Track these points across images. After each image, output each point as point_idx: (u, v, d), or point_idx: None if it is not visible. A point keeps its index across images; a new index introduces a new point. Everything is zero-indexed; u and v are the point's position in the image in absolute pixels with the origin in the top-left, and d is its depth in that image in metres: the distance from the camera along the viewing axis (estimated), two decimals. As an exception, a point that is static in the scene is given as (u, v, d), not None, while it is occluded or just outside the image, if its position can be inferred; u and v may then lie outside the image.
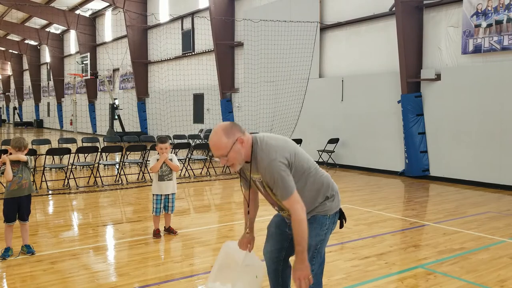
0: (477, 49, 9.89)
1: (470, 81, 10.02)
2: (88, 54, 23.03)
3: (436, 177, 10.81)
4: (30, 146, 8.68)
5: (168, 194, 5.78)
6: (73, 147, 10.66)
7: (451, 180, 10.41)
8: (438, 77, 10.66)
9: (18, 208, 4.98)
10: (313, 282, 2.74)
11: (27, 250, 5.02)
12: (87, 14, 27.17)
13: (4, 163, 4.87)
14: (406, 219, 6.90)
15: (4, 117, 48.39)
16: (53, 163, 10.98)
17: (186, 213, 7.27)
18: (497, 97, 9.52)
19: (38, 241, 5.51)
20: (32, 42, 37.23)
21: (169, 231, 5.87)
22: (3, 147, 10.33)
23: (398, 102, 11.32)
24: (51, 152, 9.48)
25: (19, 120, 42.09)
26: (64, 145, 11.90)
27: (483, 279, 4.37)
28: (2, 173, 4.93)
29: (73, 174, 9.46)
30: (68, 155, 9.44)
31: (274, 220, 3.11)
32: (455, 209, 7.55)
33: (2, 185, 8.76)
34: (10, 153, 5.00)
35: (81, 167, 10.88)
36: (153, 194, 5.80)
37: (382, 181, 10.73)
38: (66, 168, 9.48)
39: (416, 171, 11.07)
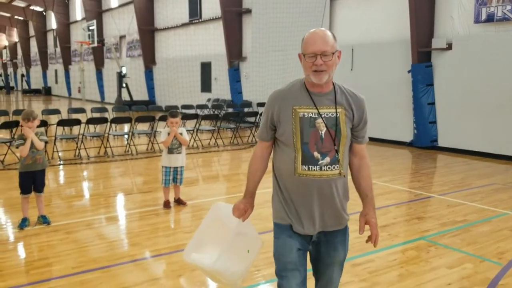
0: (490, 18, 9.73)
1: (481, 51, 9.90)
2: (95, 21, 22.89)
3: (444, 147, 10.85)
4: (40, 117, 8.79)
5: (177, 167, 5.91)
6: (82, 117, 10.80)
7: (459, 151, 10.44)
8: (449, 47, 10.53)
9: (33, 181, 5.14)
10: None
11: (43, 220, 5.22)
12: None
13: (22, 138, 4.99)
14: (411, 191, 7.01)
15: (12, 84, 48.53)
16: (64, 133, 11.14)
17: (195, 184, 7.43)
18: (509, 67, 9.42)
19: (52, 211, 5.70)
20: (38, 8, 36.96)
21: (179, 202, 6.03)
22: (14, 118, 10.50)
23: (408, 72, 11.24)
24: (62, 123, 9.62)
25: (27, 88, 42.25)
26: (74, 115, 12.01)
27: (482, 251, 4.50)
28: (17, 147, 5.06)
29: (84, 145, 9.63)
30: (79, 125, 9.58)
31: (295, 244, 2.37)
32: (461, 181, 7.64)
33: (17, 158, 8.96)
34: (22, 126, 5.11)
35: (91, 137, 11.04)
36: (163, 166, 5.94)
37: (390, 152, 10.79)
38: (76, 138, 9.63)
39: (425, 141, 11.10)
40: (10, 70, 51.38)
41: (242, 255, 2.53)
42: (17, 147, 5.13)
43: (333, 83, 2.36)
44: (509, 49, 9.39)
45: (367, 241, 2.43)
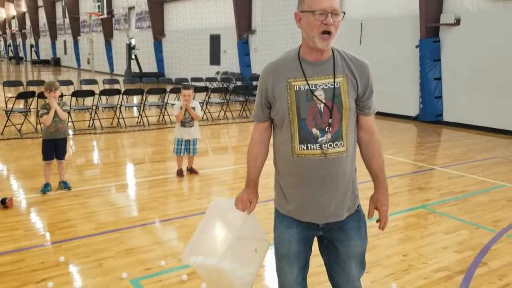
0: (498, -6, 9.75)
1: (489, 27, 9.96)
2: (105, -7, 22.87)
3: (449, 122, 11.03)
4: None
5: (189, 140, 6.16)
6: (93, 88, 11.05)
7: (463, 126, 10.62)
8: (457, 22, 10.59)
9: (55, 148, 5.44)
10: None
11: (64, 185, 5.54)
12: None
13: (46, 108, 5.26)
14: (415, 163, 7.25)
15: (21, 54, 48.68)
16: (76, 104, 11.42)
17: (205, 155, 7.71)
18: (515, 43, 9.51)
19: (72, 178, 6.01)
20: (46, -22, 36.81)
21: (191, 171, 6.32)
22: (30, 88, 10.76)
23: (416, 47, 11.32)
24: (76, 94, 9.88)
25: (36, 58, 42.40)
26: (85, 86, 12.27)
27: (478, 219, 4.77)
28: (41, 116, 5.34)
29: (97, 115, 9.91)
30: (91, 96, 9.85)
31: (293, 235, 2.16)
32: (463, 154, 7.86)
33: (34, 127, 9.27)
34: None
35: (103, 108, 11.31)
36: (176, 138, 6.19)
37: (396, 126, 10.99)
38: (90, 109, 9.91)
39: (430, 116, 11.27)
40: (19, 40, 51.44)
41: (249, 256, 2.25)
42: (41, 117, 5.40)
43: (332, 49, 2.05)
44: (517, 25, 9.45)
45: (377, 221, 2.24)
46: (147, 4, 23.16)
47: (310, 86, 2.00)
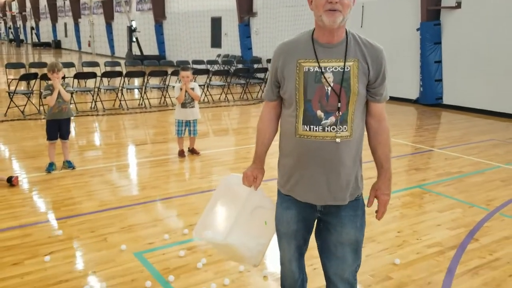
0: (500, -24, 9.73)
1: (490, 10, 9.96)
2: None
3: (448, 105, 11.09)
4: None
5: (190, 120, 6.25)
6: (95, 70, 11.10)
7: (463, 109, 10.69)
8: (458, 5, 10.58)
9: (59, 129, 5.54)
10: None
11: (68, 165, 5.66)
12: None
13: (49, 89, 5.36)
14: (413, 145, 7.35)
15: (22, 37, 48.50)
16: (78, 86, 11.48)
17: (206, 136, 7.81)
18: (515, 26, 9.52)
19: (76, 158, 6.13)
20: (46, -41, 36.51)
21: (193, 152, 6.44)
22: (32, 70, 10.83)
23: (417, 30, 11.33)
24: (78, 76, 9.95)
25: (37, 41, 42.26)
26: (87, 68, 12.31)
27: (472, 198, 4.89)
28: (45, 97, 5.44)
29: (99, 97, 9.99)
30: (94, 79, 9.92)
31: (292, 215, 2.21)
32: (461, 137, 7.96)
33: (36, 109, 9.36)
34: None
35: (105, 90, 11.38)
36: (176, 119, 6.29)
37: (396, 108, 11.05)
38: (92, 91, 9.99)
39: (430, 99, 11.33)
40: (19, 23, 51.18)
41: (259, 228, 2.31)
42: (44, 98, 5.50)
43: (346, 32, 2.04)
44: (518, 8, 9.45)
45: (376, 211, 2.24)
46: (148, -14, 23.02)
47: (321, 67, 1.98)
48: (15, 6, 51.38)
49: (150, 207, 4.54)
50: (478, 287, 3.16)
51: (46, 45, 40.64)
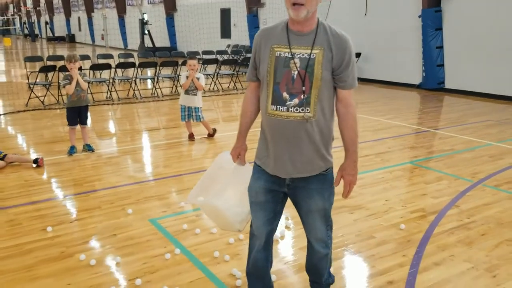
0: (499, -38, 9.97)
1: (489, -5, 10.22)
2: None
3: (450, 89, 11.40)
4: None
5: (191, 107, 6.69)
6: (110, 62, 11.61)
7: (464, 92, 11.00)
8: (459, -9, 10.85)
9: (79, 115, 6.05)
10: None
11: (88, 148, 6.17)
12: None
13: (68, 79, 5.85)
14: (410, 126, 7.73)
15: (36, 31, 49.37)
16: (94, 77, 12.01)
17: (216, 122, 8.27)
18: (514, 11, 9.78)
19: (94, 142, 6.64)
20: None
21: (211, 135, 6.86)
22: (49, 63, 11.37)
23: (419, 16, 11.61)
24: (94, 67, 10.47)
25: (51, 35, 43.05)
26: (102, 60, 12.84)
27: (459, 172, 5.29)
28: (64, 86, 5.94)
29: (114, 87, 10.51)
30: (109, 70, 10.43)
31: (260, 186, 2.43)
32: (458, 118, 8.31)
33: (62, 99, 9.90)
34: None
35: (119, 81, 11.89)
36: (180, 104, 6.76)
37: (399, 93, 11.40)
38: (108, 81, 10.51)
39: (432, 83, 11.65)
40: (34, 18, 52.08)
41: (243, 197, 2.55)
42: (63, 86, 6.00)
43: (318, 23, 2.24)
44: (517, -7, 9.70)
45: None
46: (158, -21, 23.47)
47: (290, 53, 2.19)
48: (29, 1, 52.25)
49: (163, 182, 5.03)
50: (452, 243, 3.59)
51: (61, 39, 41.41)
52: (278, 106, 2.24)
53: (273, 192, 2.42)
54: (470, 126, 7.62)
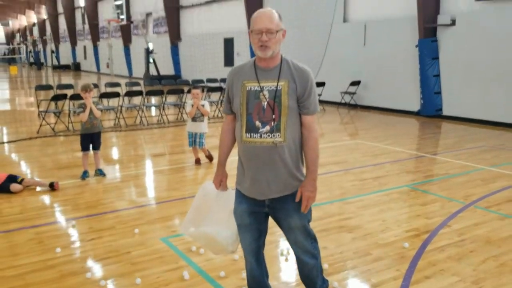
0: (490, -4, 10.47)
1: (482, 26, 10.69)
2: (124, 1, 23.96)
3: (448, 116, 11.76)
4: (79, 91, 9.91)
5: (198, 133, 7.03)
6: (117, 90, 12.04)
7: (461, 119, 11.34)
8: (453, 23, 11.33)
9: (92, 141, 6.39)
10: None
11: (100, 172, 6.49)
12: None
13: (82, 107, 6.22)
14: (407, 151, 8.04)
15: (42, 60, 50.35)
16: (102, 104, 12.40)
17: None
18: (506, 41, 10.21)
19: (105, 167, 6.96)
20: (66, -14, 38.24)
21: (209, 158, 7.18)
22: (57, 91, 11.81)
23: (416, 46, 12.07)
24: (103, 95, 10.89)
25: (57, 63, 43.93)
26: (110, 89, 13.29)
27: (452, 194, 5.57)
28: (78, 114, 6.30)
29: (122, 115, 10.90)
30: (117, 98, 10.85)
31: (243, 209, 2.69)
32: (454, 144, 8.63)
33: (72, 126, 10.26)
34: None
35: (126, 108, 12.30)
36: (187, 131, 7.12)
37: (397, 120, 11.76)
38: (116, 109, 10.90)
39: (430, 110, 12.02)
40: (39, 46, 53.19)
41: (230, 221, 2.77)
42: (78, 114, 6.39)
43: (281, 59, 2.55)
44: (507, 25, 10.16)
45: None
46: (164, 10, 24.24)
47: (260, 87, 2.50)
48: (36, 30, 53.47)
49: (171, 204, 5.32)
50: (443, 259, 3.85)
51: (66, 67, 42.24)
52: (252, 134, 2.52)
53: (256, 214, 2.68)
54: (466, 152, 7.93)
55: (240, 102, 2.55)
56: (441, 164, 7.10)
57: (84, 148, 6.43)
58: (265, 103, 2.50)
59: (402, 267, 3.70)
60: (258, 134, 2.51)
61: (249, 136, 2.54)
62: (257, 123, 2.51)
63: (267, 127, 2.50)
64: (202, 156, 7.29)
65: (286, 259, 3.89)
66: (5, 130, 10.38)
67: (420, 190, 5.80)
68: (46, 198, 5.53)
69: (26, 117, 12.47)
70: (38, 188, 5.85)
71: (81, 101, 6.46)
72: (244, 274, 3.40)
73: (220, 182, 2.82)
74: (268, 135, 2.50)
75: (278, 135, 2.50)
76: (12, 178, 5.84)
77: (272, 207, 2.64)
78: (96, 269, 3.69)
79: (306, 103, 2.54)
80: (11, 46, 65.66)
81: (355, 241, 4.22)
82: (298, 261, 2.84)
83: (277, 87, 2.50)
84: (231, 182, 2.82)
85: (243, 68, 2.62)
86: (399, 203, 5.31)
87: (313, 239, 2.77)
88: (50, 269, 3.68)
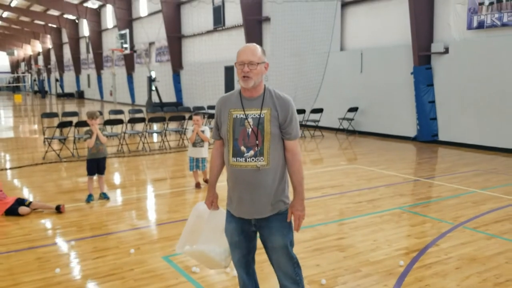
0: (481, 25, 10.89)
1: (475, 54, 11.07)
2: (127, 31, 24.64)
3: (444, 141, 12.03)
4: (84, 118, 10.30)
5: (199, 158, 7.32)
6: (120, 117, 12.38)
7: (456, 144, 11.61)
8: (446, 51, 11.72)
9: (97, 166, 6.66)
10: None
11: (104, 196, 6.74)
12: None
13: (89, 133, 6.52)
14: (402, 175, 8.28)
15: (46, 88, 51.15)
16: (106, 131, 12.72)
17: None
18: (498, 68, 10.57)
19: (109, 191, 7.21)
20: (71, 17, 39.18)
21: (206, 181, 7.47)
22: (62, 119, 12.15)
23: (411, 73, 12.45)
24: (107, 122, 11.22)
25: (61, 92, 44.64)
26: (114, 116, 13.65)
27: (443, 216, 5.79)
28: (85, 140, 6.59)
29: (125, 141, 11.21)
30: (120, 125, 11.18)
31: (233, 228, 2.90)
32: (448, 168, 8.87)
33: (77, 152, 10.55)
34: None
35: (129, 134, 12.61)
36: (188, 156, 7.40)
37: (394, 145, 12.02)
38: (119, 135, 11.22)
39: (426, 136, 12.30)
40: (44, 75, 54.12)
41: (222, 238, 2.99)
42: (85, 140, 6.67)
43: (265, 89, 2.78)
44: (499, 53, 10.54)
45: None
46: (166, 40, 24.89)
47: (244, 115, 2.71)
48: (41, 59, 54.48)
49: (173, 225, 5.55)
50: (429, 275, 4.07)
51: (69, 95, 42.93)
52: (237, 158, 2.73)
53: (245, 232, 2.88)
54: (459, 175, 8.17)
55: (227, 129, 2.77)
56: (434, 188, 7.34)
57: (90, 173, 6.69)
58: (250, 129, 2.71)
59: (390, 283, 3.91)
60: (243, 158, 2.72)
61: (235, 160, 2.74)
62: (242, 148, 2.72)
63: (251, 152, 2.70)
64: (201, 181, 7.54)
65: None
66: (11, 157, 10.67)
67: (412, 212, 6.02)
68: (53, 220, 5.77)
69: (30, 144, 12.78)
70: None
71: (88, 128, 6.75)
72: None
73: (212, 202, 3.06)
74: (252, 159, 2.70)
75: (262, 159, 2.70)
76: (20, 202, 6.09)
77: (258, 226, 2.84)
78: (102, 285, 3.90)
79: (288, 129, 2.75)
80: (15, 75, 66.79)
81: (346, 259, 4.44)
82: (280, 286, 2.96)
83: (260, 114, 2.72)
84: (223, 203, 3.05)
85: (229, 98, 2.84)
86: (390, 224, 5.53)
87: (295, 264, 2.89)
88: (55, 286, 3.89)
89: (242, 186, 2.77)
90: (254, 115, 2.73)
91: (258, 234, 2.93)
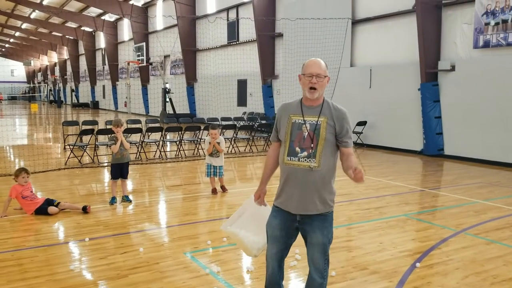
0: (486, 44, 11.29)
1: (480, 72, 11.45)
2: (144, 44, 25.33)
3: (449, 155, 12.35)
4: (104, 126, 10.77)
5: (216, 166, 7.76)
6: (138, 126, 12.87)
7: (462, 158, 11.93)
8: (453, 68, 12.11)
9: (121, 170, 7.12)
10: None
11: (126, 199, 7.17)
12: (139, 4, 29.54)
13: (113, 140, 6.99)
14: (408, 186, 8.63)
15: (61, 98, 52.16)
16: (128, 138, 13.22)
17: (233, 182, 9.28)
18: (502, 86, 10.93)
19: (132, 195, 7.64)
20: (88, 29, 40.19)
21: (223, 188, 7.89)
22: (83, 127, 12.66)
23: (418, 89, 12.84)
24: (126, 131, 11.69)
25: (76, 101, 45.53)
26: (131, 125, 14.16)
27: (446, 223, 6.14)
28: (110, 146, 7.06)
29: (143, 149, 11.69)
30: (139, 133, 11.68)
31: (276, 223, 3.15)
32: (453, 180, 9.21)
33: (97, 158, 11.03)
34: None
35: (146, 143, 13.09)
36: (206, 163, 7.83)
37: (401, 158, 12.37)
38: (138, 144, 11.71)
39: (433, 150, 12.64)
40: (59, 85, 55.19)
41: (261, 230, 3.28)
42: (109, 146, 7.13)
43: (323, 100, 3.08)
44: (503, 71, 10.91)
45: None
46: (181, 53, 25.55)
47: (302, 120, 3.03)
48: (57, 70, 55.61)
49: (192, 226, 5.96)
50: (431, 274, 4.43)
51: (85, 105, 43.78)
52: (291, 157, 3.03)
53: (287, 229, 3.13)
54: (463, 187, 8.50)
55: (285, 131, 3.09)
56: (438, 198, 7.68)
57: (114, 177, 7.14)
58: (306, 133, 3.02)
59: (394, 280, 4.27)
60: (297, 158, 3.02)
61: (289, 159, 3.05)
62: (297, 149, 3.02)
63: (305, 153, 3.00)
64: (218, 187, 7.97)
65: (294, 267, 4.49)
66: (32, 163, 11.17)
67: (417, 219, 6.38)
68: (80, 219, 6.21)
69: (50, 150, 13.30)
70: None
71: (113, 135, 7.22)
72: (255, 282, 4.01)
73: (259, 196, 3.38)
74: (305, 160, 3.00)
75: (314, 161, 2.99)
76: (49, 202, 6.55)
77: (302, 222, 3.09)
78: (132, 275, 4.31)
79: (344, 138, 3.06)
80: (31, 85, 68.12)
81: (355, 258, 4.81)
82: (308, 278, 3.21)
83: (317, 121, 3.02)
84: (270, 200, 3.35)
85: (291, 104, 3.18)
86: (396, 229, 5.90)
87: (327, 260, 3.14)
88: (91, 274, 4.32)
89: (293, 183, 3.04)
90: (312, 122, 3.04)
91: (299, 232, 3.17)
